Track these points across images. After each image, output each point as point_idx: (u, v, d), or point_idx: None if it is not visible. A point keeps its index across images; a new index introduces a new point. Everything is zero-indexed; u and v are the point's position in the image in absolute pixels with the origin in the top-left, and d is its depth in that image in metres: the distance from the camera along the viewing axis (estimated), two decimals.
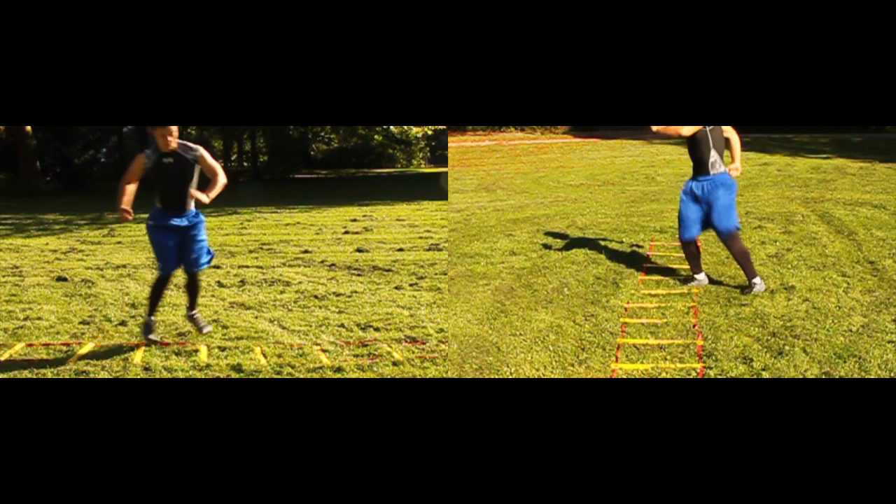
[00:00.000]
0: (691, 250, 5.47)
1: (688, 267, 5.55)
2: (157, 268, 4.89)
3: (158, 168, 4.68)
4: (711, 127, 5.16)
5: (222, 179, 4.78)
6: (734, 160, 5.36)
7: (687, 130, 5.15)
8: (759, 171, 11.99)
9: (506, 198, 10.39)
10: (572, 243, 7.01)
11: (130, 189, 4.70)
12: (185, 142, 4.73)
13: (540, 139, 20.50)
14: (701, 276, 5.48)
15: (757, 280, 5.20)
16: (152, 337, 4.87)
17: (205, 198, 4.67)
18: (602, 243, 6.97)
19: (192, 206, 4.80)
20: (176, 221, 4.76)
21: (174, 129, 4.64)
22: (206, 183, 4.77)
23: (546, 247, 6.91)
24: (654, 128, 5.10)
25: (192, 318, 5.11)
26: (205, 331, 5.08)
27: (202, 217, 4.89)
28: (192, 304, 5.09)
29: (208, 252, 4.95)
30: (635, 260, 6.34)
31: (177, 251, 4.81)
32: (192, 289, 5.02)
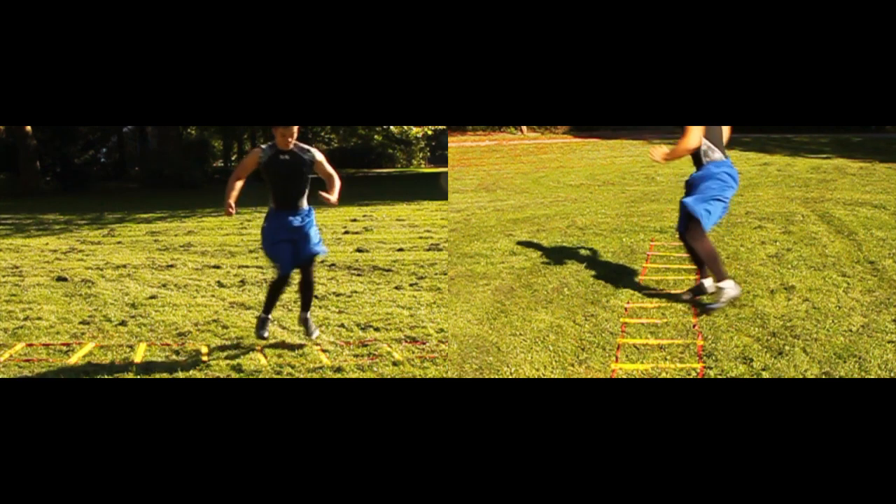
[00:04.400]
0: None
1: (686, 272, 5.52)
2: (275, 269, 4.78)
3: (274, 165, 4.64)
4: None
5: (339, 182, 4.79)
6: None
7: (695, 138, 4.77)
8: (759, 171, 11.99)
9: (506, 198, 10.38)
10: (572, 243, 7.01)
11: (238, 185, 4.71)
12: (301, 143, 4.71)
13: (540, 139, 20.48)
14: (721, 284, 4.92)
15: (707, 282, 5.08)
16: (265, 334, 4.81)
17: (332, 198, 4.69)
18: (602, 243, 6.97)
19: (304, 204, 4.76)
20: (290, 220, 4.70)
21: (295, 130, 4.61)
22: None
23: (546, 247, 6.91)
24: (664, 156, 4.80)
25: (304, 321, 4.96)
26: (314, 336, 4.94)
27: (313, 213, 4.83)
28: (305, 305, 4.94)
29: (320, 242, 4.85)
30: (635, 260, 6.33)
31: (292, 250, 4.71)
32: (307, 287, 4.89)
